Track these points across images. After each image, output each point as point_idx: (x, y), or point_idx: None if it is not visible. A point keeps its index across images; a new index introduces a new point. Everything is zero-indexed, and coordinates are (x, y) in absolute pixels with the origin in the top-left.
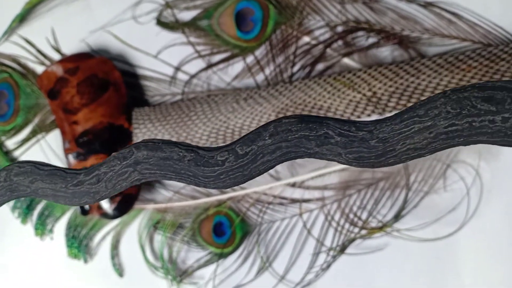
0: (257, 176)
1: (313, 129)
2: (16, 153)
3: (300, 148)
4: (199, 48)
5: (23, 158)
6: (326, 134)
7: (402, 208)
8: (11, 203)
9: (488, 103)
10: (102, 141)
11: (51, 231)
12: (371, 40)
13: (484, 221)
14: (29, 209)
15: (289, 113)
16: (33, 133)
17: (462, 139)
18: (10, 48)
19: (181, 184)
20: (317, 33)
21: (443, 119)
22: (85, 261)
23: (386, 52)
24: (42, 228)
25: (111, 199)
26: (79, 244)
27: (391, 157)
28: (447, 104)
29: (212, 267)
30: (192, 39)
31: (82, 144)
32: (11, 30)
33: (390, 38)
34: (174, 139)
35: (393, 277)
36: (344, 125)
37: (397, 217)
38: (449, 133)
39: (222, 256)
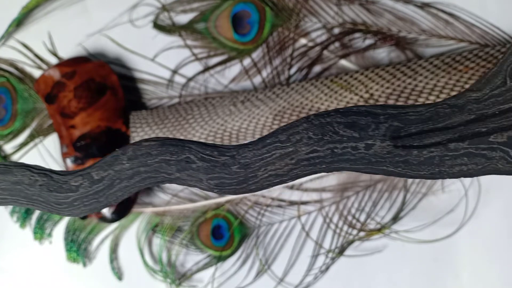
0: (115, 203)
1: (174, 153)
2: (14, 157)
3: (160, 173)
4: (196, 51)
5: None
6: (187, 159)
7: (400, 209)
8: (10, 207)
9: (351, 129)
10: (99, 145)
11: (50, 235)
12: (368, 41)
13: (482, 222)
14: (27, 213)
15: (286, 116)
16: (31, 138)
17: (324, 166)
18: (7, 52)
19: (179, 187)
20: (314, 35)
21: (304, 145)
22: (84, 265)
23: (383, 53)
24: (41, 232)
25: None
26: (78, 248)
27: (253, 183)
28: (309, 130)
29: (211, 270)
30: (189, 42)
31: (79, 148)
32: (8, 35)
33: (387, 40)
34: None
35: (392, 279)
36: (207, 149)
37: (395, 218)
38: (310, 159)
39: (221, 259)
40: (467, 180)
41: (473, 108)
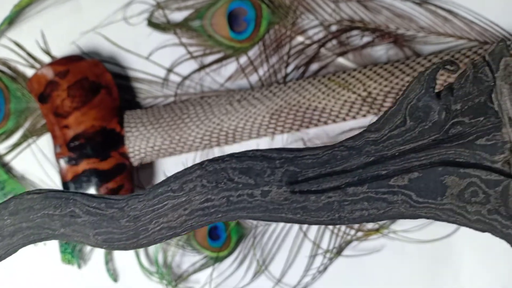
0: None
1: (57, 207)
2: (7, 158)
3: (44, 229)
4: (191, 49)
5: (15, 162)
6: (72, 213)
7: None
8: None
9: (246, 175)
10: (94, 145)
11: None
12: (366, 39)
13: None
14: None
15: (283, 114)
16: (24, 138)
17: (220, 215)
18: (0, 51)
19: None
20: (311, 32)
21: (198, 194)
22: (79, 266)
23: (381, 51)
24: None
25: None
26: (72, 250)
27: (144, 237)
28: (203, 177)
29: (207, 271)
30: (184, 40)
31: (73, 148)
32: (0, 33)
33: (385, 37)
34: (167, 142)
35: (390, 278)
36: (93, 201)
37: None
38: (205, 209)
39: (218, 260)
40: None
41: (371, 150)
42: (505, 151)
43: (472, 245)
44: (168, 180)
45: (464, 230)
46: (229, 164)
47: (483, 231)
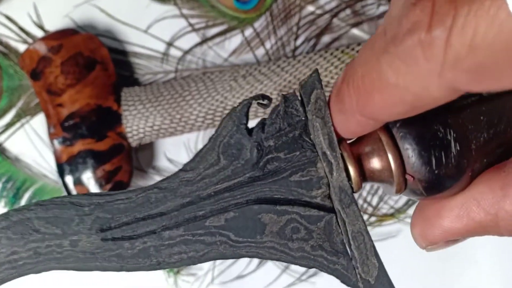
0: None
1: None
2: (0, 139)
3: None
4: (193, 21)
5: (8, 143)
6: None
7: None
8: None
9: (53, 225)
10: (89, 124)
11: None
12: (382, 8)
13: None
14: (16, 197)
15: (291, 92)
16: (18, 117)
17: (30, 267)
18: None
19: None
20: (322, 1)
21: (4, 247)
22: None
23: None
24: None
25: (102, 187)
26: None
27: None
28: (8, 229)
29: None
30: (185, 11)
31: (68, 128)
32: None
33: None
34: (167, 121)
35: (407, 264)
36: None
37: (410, 202)
38: (12, 261)
39: None
40: None
41: (186, 191)
42: (322, 186)
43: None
44: None
45: None
46: (35, 213)
47: (310, 267)
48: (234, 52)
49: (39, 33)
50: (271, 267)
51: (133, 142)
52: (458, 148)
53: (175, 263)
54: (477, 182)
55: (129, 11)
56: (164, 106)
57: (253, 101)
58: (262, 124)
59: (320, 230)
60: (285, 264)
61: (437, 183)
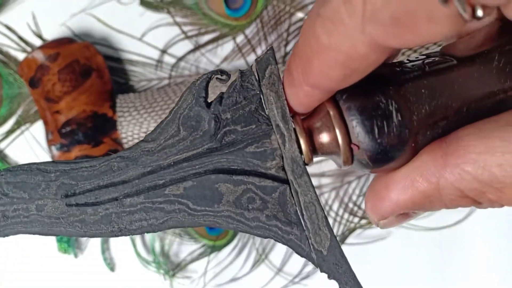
0: None
1: None
2: (1, 145)
3: None
4: (186, 28)
5: (9, 150)
6: None
7: None
8: None
9: (20, 189)
10: (85, 131)
11: None
12: None
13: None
14: None
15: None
16: (18, 124)
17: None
18: None
19: None
20: (311, 8)
21: None
22: (75, 256)
23: None
24: None
25: None
26: (68, 239)
27: None
28: None
29: (205, 260)
30: (178, 19)
31: (65, 134)
32: None
33: None
34: None
35: (397, 267)
36: None
37: None
38: None
39: (216, 248)
40: None
41: (147, 160)
42: (276, 158)
43: (482, 232)
44: None
45: (474, 217)
46: (4, 178)
47: (265, 237)
48: (226, 58)
49: (38, 42)
50: (265, 270)
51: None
52: (400, 118)
53: (136, 230)
54: (420, 154)
55: (124, 20)
56: (158, 112)
57: (212, 76)
58: (220, 97)
59: (275, 200)
60: (278, 266)
61: (381, 152)
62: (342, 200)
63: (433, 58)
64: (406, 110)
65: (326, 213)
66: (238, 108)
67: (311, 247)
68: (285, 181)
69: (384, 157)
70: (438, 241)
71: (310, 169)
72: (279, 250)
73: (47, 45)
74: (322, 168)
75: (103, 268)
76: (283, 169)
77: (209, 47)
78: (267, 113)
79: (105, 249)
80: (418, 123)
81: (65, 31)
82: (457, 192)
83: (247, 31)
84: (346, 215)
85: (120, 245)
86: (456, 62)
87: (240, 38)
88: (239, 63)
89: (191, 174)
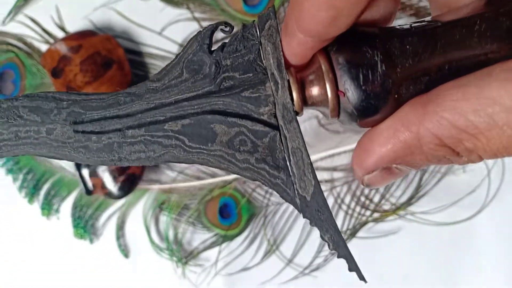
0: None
1: None
2: None
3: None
4: (204, 24)
5: None
6: None
7: (417, 190)
8: (18, 182)
9: (34, 113)
10: None
11: (57, 211)
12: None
13: (505, 204)
14: (35, 188)
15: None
16: None
17: (8, 149)
18: (16, 27)
19: (185, 165)
20: None
21: None
22: (91, 241)
23: (400, 22)
24: (48, 208)
25: (115, 179)
26: (85, 225)
27: None
28: None
29: (217, 249)
30: (197, 14)
31: None
32: (16, 9)
33: (406, 10)
34: None
35: (407, 262)
36: None
37: (412, 199)
38: None
39: (227, 238)
40: (490, 160)
41: (151, 97)
42: (269, 104)
43: (494, 228)
44: None
45: (486, 213)
46: (21, 102)
47: (253, 179)
48: None
49: (61, 34)
50: (276, 261)
51: None
52: (384, 69)
53: (134, 161)
54: (403, 106)
55: (144, 14)
56: None
57: (217, 26)
58: (222, 46)
59: (265, 145)
60: (288, 257)
61: (365, 99)
62: (354, 193)
63: (420, 22)
64: (390, 61)
65: (337, 206)
66: (237, 56)
67: (296, 192)
68: (276, 127)
69: (368, 105)
70: (449, 237)
71: (322, 163)
72: (290, 241)
73: (70, 37)
74: (335, 162)
75: (118, 254)
76: (275, 116)
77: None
78: (264, 64)
79: (120, 235)
80: (401, 75)
81: (88, 24)
82: (435, 140)
83: None
84: (358, 209)
85: (135, 232)
86: (441, 24)
87: None
88: None
89: (190, 113)
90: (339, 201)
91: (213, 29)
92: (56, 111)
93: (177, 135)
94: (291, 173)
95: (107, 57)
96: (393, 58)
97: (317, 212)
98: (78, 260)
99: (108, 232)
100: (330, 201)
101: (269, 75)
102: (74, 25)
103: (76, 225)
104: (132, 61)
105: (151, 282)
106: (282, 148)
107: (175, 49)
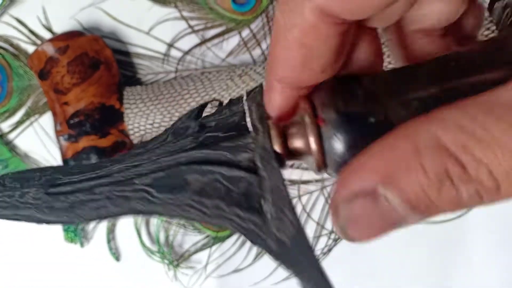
0: None
1: None
2: (10, 136)
3: None
4: (192, 23)
5: (18, 141)
6: None
7: None
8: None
9: (16, 181)
10: (93, 122)
11: None
12: None
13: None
14: None
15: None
16: (27, 116)
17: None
18: (2, 28)
19: None
20: None
21: None
22: (82, 245)
23: None
24: None
25: None
26: (75, 228)
27: None
28: None
29: (209, 251)
30: (185, 13)
31: (73, 125)
32: (1, 10)
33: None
34: (166, 119)
35: (399, 260)
36: None
37: None
38: None
39: (219, 239)
40: None
41: (131, 159)
42: (248, 151)
43: (485, 227)
44: None
45: (477, 211)
46: (10, 174)
47: (222, 226)
48: (231, 53)
49: (48, 35)
50: (268, 261)
51: (135, 139)
52: (364, 91)
53: (94, 218)
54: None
55: (132, 14)
56: (164, 105)
57: (207, 103)
58: (209, 114)
59: (240, 190)
60: None
61: (345, 119)
62: None
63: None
64: (371, 84)
65: (328, 205)
66: (222, 119)
67: (273, 235)
68: (254, 172)
69: (351, 126)
70: (440, 235)
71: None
72: None
73: (57, 38)
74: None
75: (109, 257)
76: (253, 161)
77: (215, 41)
78: (247, 122)
79: (110, 238)
80: (384, 98)
81: (75, 25)
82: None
83: (253, 26)
84: None
85: (126, 235)
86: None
87: (245, 33)
88: (245, 57)
89: (165, 165)
90: (330, 200)
91: (203, 107)
92: (37, 178)
93: (145, 188)
94: (267, 214)
95: (94, 58)
96: (375, 84)
97: (299, 256)
98: (68, 264)
99: (99, 235)
100: (321, 201)
101: (250, 127)
102: (61, 26)
103: (66, 229)
104: (120, 61)
105: (142, 285)
106: (258, 190)
107: (163, 49)
